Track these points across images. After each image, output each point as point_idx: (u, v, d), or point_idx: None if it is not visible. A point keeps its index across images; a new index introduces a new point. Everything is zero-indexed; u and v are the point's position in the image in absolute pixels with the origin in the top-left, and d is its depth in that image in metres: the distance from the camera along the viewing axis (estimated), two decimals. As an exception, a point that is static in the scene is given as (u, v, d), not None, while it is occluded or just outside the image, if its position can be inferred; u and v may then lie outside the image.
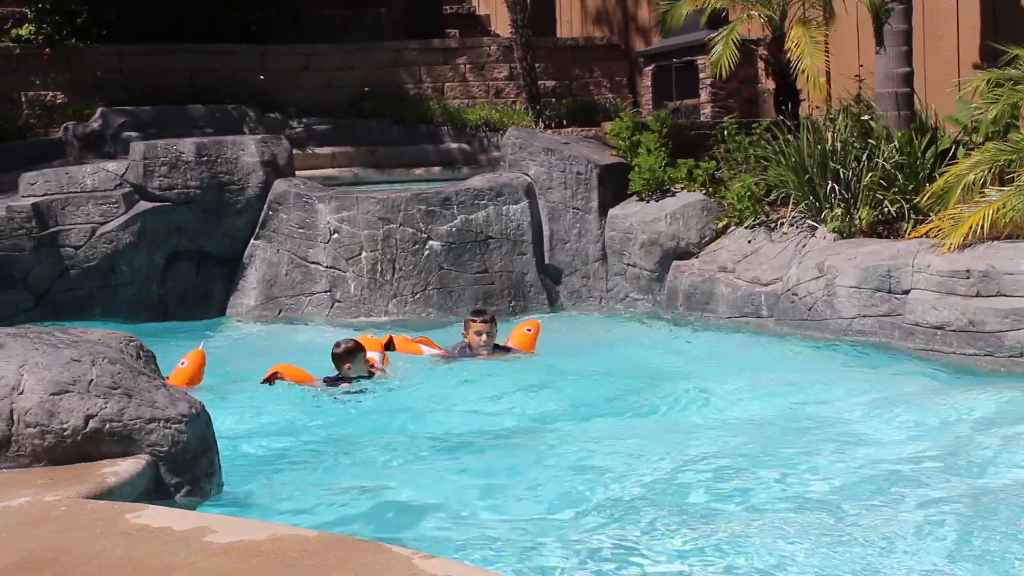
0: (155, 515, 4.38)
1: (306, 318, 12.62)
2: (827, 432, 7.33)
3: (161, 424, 5.33)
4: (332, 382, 9.15)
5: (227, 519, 4.43)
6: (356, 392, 8.96)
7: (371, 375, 9.28)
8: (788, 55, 12.98)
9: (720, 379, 9.01)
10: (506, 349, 10.19)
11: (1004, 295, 9.30)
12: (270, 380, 9.12)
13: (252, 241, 13.12)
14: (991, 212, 9.63)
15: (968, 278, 9.49)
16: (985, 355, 9.28)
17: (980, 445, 6.85)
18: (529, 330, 10.59)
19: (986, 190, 9.97)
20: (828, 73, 12.54)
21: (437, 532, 5.71)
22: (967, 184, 10.11)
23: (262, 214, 13.09)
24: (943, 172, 10.71)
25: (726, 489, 6.20)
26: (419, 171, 16.09)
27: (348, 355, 9.14)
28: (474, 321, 10.08)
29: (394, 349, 10.21)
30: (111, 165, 13.25)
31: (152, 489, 5.23)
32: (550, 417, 8.24)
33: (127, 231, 12.80)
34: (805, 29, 12.37)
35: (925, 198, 10.64)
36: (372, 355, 9.53)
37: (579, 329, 11.94)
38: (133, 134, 15.47)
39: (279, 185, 13.14)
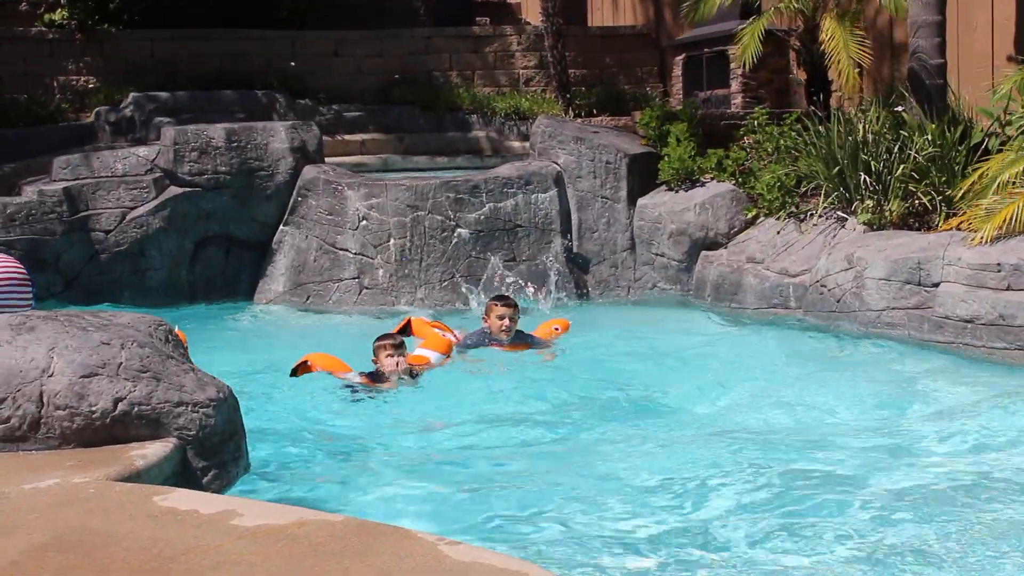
0: (182, 498, 4.40)
1: (334, 304, 12.65)
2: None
3: (189, 408, 5.35)
4: (370, 377, 8.78)
5: (253, 503, 4.44)
6: (386, 391, 8.65)
7: (413, 375, 8.88)
8: (820, 46, 12.93)
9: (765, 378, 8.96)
10: (527, 338, 9.98)
11: (1035, 289, 9.24)
12: (298, 371, 8.87)
13: (281, 227, 13.15)
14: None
15: (999, 271, 9.43)
16: (1015, 349, 9.22)
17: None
18: (556, 329, 10.37)
19: (1018, 182, 9.90)
20: (859, 65, 12.46)
21: (466, 525, 5.72)
22: (1001, 183, 10.05)
23: (291, 200, 13.12)
24: (976, 166, 10.65)
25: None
26: (442, 159, 16.04)
27: (390, 348, 8.78)
28: (496, 305, 9.85)
29: (411, 333, 9.92)
30: (142, 150, 13.31)
31: (179, 472, 5.24)
32: (571, 416, 8.16)
33: (157, 216, 12.86)
34: (839, 21, 12.30)
35: (960, 195, 10.57)
36: (429, 354, 9.20)
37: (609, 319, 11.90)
38: (164, 119, 15.51)
39: (308, 171, 13.16)
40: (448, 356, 9.36)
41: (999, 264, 9.45)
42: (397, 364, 8.70)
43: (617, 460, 6.64)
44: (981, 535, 5.45)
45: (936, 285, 9.88)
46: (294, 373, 8.89)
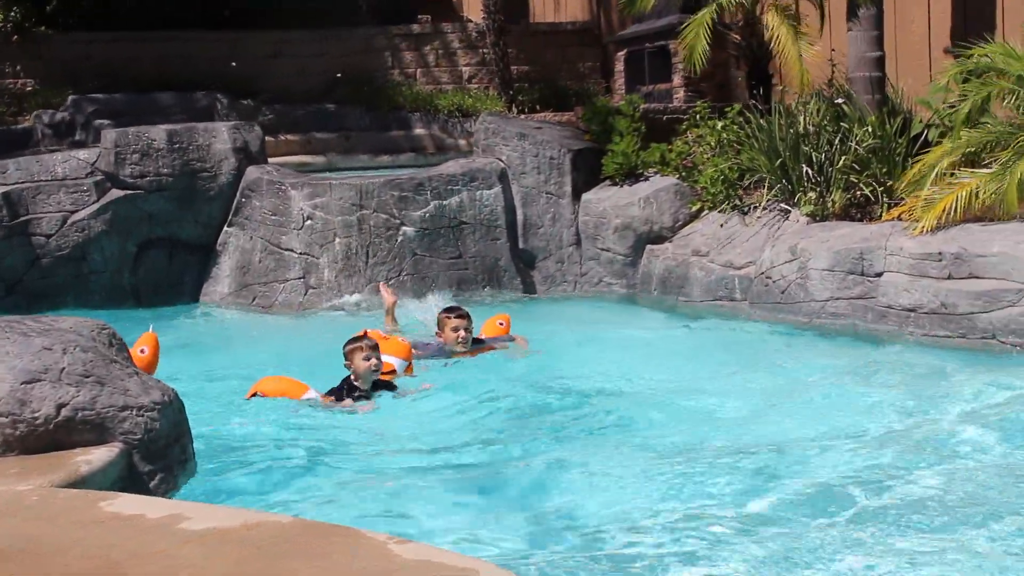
0: (128, 503, 4.35)
1: (280, 305, 12.57)
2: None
3: (134, 412, 5.29)
4: (338, 394, 8.22)
5: (201, 506, 4.40)
6: (364, 408, 8.12)
7: (390, 387, 8.43)
8: (760, 40, 13.00)
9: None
10: (481, 342, 9.77)
11: (976, 277, 9.33)
12: (248, 397, 8.28)
13: (225, 228, 13.06)
14: (964, 195, 9.66)
15: (940, 260, 9.52)
16: (957, 337, 9.31)
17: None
18: (501, 324, 10.23)
19: (957, 172, 10.01)
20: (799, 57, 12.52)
21: (421, 522, 5.68)
22: (940, 171, 10.15)
23: (235, 201, 13.03)
24: (917, 157, 10.74)
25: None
26: (386, 157, 15.98)
27: (366, 349, 8.27)
28: (450, 318, 9.55)
29: None
30: (82, 153, 13.16)
31: (125, 477, 5.19)
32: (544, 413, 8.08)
33: (99, 219, 12.73)
34: (782, 15, 12.33)
35: (902, 187, 10.66)
36: (391, 360, 8.70)
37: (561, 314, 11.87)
38: (104, 122, 15.36)
39: (251, 172, 13.08)
40: (409, 362, 8.99)
41: (940, 253, 9.53)
42: (373, 365, 8.23)
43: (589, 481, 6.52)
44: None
45: (879, 275, 9.96)
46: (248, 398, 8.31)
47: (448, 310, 9.80)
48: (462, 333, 9.47)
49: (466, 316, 9.60)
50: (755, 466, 6.34)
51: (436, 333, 9.68)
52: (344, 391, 8.23)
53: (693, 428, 7.30)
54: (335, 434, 7.60)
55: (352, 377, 8.27)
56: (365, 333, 9.52)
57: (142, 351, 8.46)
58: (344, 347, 8.38)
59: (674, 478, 6.18)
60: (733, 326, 10.59)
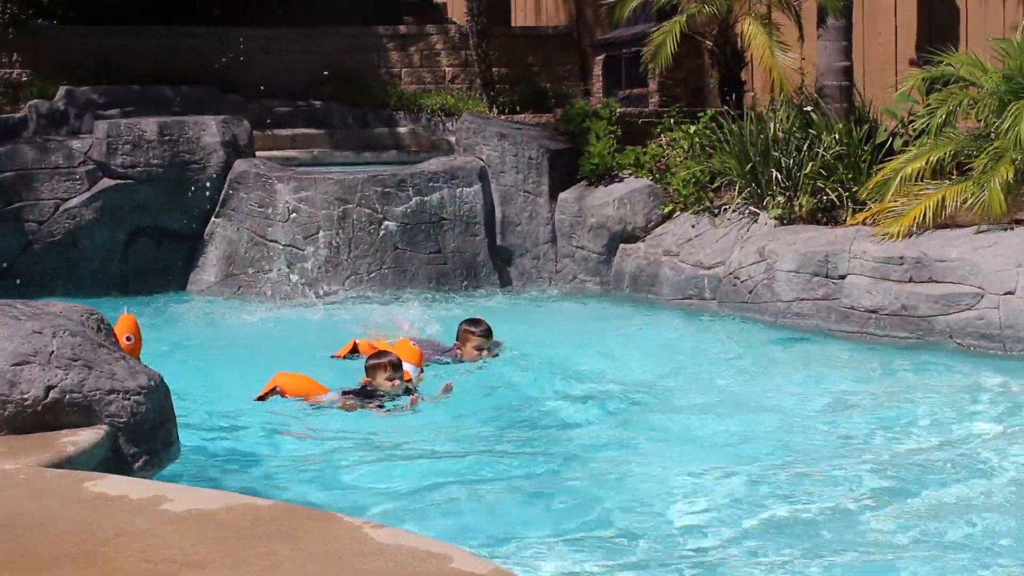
0: (113, 484, 4.34)
1: (264, 295, 12.54)
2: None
3: (120, 395, 5.29)
4: (361, 395, 7.87)
5: (183, 488, 4.40)
6: (394, 408, 7.78)
7: (409, 392, 7.98)
8: (733, 47, 13.03)
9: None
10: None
11: (935, 281, 9.40)
12: (265, 396, 7.88)
13: (212, 219, 13.03)
14: (932, 205, 9.72)
15: (902, 264, 9.58)
16: (916, 338, 9.37)
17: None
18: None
19: (922, 183, 10.06)
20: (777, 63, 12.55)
21: (403, 511, 5.69)
22: (904, 177, 10.20)
23: (222, 193, 13.00)
24: (881, 164, 10.79)
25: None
26: (369, 154, 15.94)
27: (389, 369, 7.90)
28: (474, 335, 9.07)
29: (358, 354, 9.00)
30: (75, 143, 13.12)
31: (110, 459, 5.19)
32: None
33: (90, 207, 12.69)
34: (759, 23, 12.32)
35: (866, 192, 10.71)
36: (408, 368, 8.22)
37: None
38: (97, 113, 15.28)
39: (239, 165, 13.05)
40: (422, 368, 8.50)
41: (902, 257, 9.59)
42: (396, 386, 7.87)
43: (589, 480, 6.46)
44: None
45: (843, 277, 10.01)
46: (261, 398, 7.91)
47: (472, 323, 9.24)
48: (485, 352, 9.07)
49: (490, 332, 9.16)
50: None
51: (456, 345, 9.17)
52: (364, 395, 7.85)
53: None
54: (327, 418, 7.60)
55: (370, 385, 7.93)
56: (355, 344, 9.10)
57: (128, 339, 8.29)
58: (366, 363, 8.00)
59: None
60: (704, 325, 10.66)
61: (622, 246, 12.52)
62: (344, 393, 7.88)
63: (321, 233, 12.58)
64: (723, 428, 7.14)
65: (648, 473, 6.21)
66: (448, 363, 8.99)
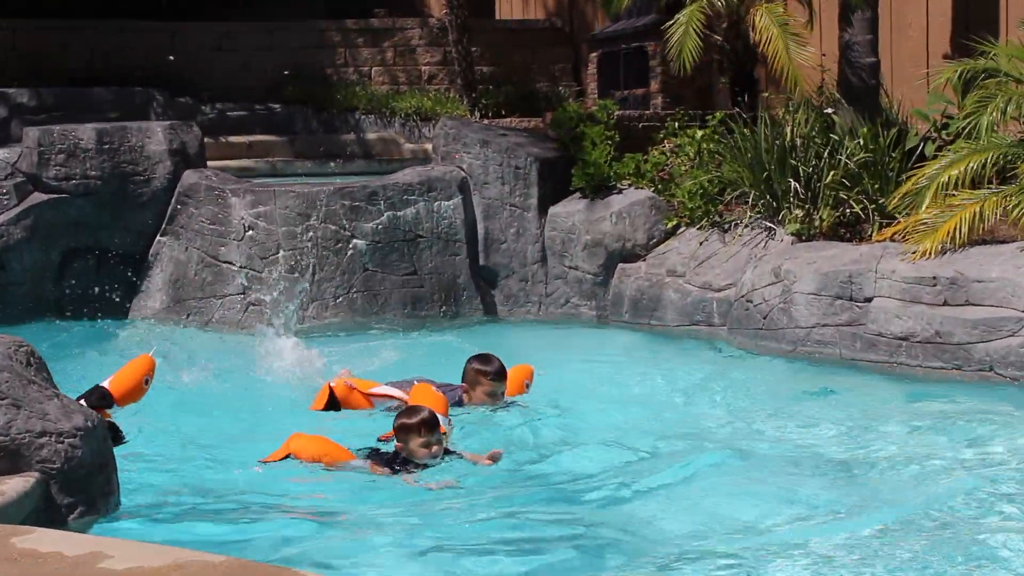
0: (44, 539, 4.33)
1: (217, 323, 12.52)
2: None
3: (53, 438, 5.28)
4: (386, 464, 7.34)
5: (125, 543, 4.39)
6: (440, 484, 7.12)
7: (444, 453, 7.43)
8: (746, 42, 13.08)
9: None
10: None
11: (972, 304, 9.41)
12: (272, 459, 7.43)
13: (158, 238, 13.02)
14: (968, 217, 9.72)
15: (935, 285, 9.60)
16: (952, 368, 9.39)
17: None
18: (527, 384, 9.16)
19: (957, 193, 10.09)
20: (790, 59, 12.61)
21: (354, 557, 5.68)
22: (940, 185, 10.21)
23: (170, 208, 12.99)
24: (911, 173, 10.82)
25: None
26: (336, 164, 15.97)
27: (425, 431, 7.27)
28: (487, 379, 8.55)
29: (339, 405, 8.66)
30: (1, 152, 13.09)
31: (42, 509, 5.18)
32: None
33: (19, 225, 12.67)
34: (772, 15, 12.33)
35: (894, 201, 10.73)
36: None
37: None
38: (26, 118, 15.30)
39: (189, 176, 13.05)
40: (449, 420, 8.02)
41: (935, 277, 9.61)
42: (435, 453, 7.27)
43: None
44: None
45: (869, 300, 10.03)
46: (269, 460, 7.45)
47: (482, 361, 8.69)
48: (498, 398, 8.62)
49: (504, 374, 8.65)
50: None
51: (463, 388, 8.64)
52: (397, 463, 7.33)
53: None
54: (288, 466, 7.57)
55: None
56: (330, 391, 8.63)
57: (147, 381, 8.15)
58: (395, 422, 7.40)
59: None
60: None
61: (621, 266, 12.54)
62: (373, 459, 7.42)
63: (281, 253, 12.57)
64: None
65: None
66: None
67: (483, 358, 8.72)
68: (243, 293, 12.61)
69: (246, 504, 6.82)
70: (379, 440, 7.67)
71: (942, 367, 9.46)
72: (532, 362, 9.49)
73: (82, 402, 7.62)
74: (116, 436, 7.49)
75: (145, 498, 6.74)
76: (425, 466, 7.23)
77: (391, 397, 8.57)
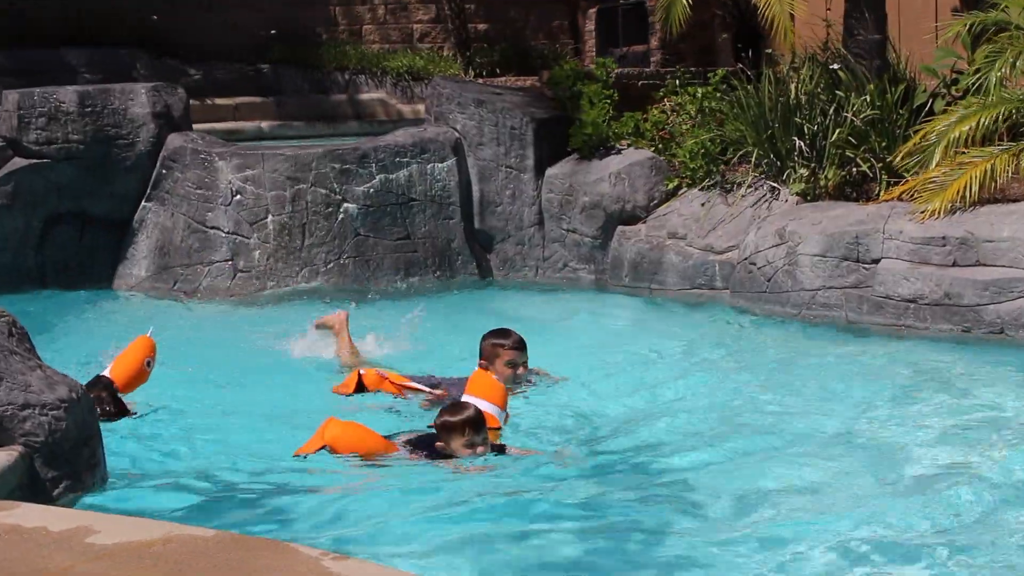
0: (29, 514, 4.33)
1: (205, 291, 12.51)
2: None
3: (36, 411, 5.27)
4: (433, 454, 7.03)
5: (112, 518, 4.39)
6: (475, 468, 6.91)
7: (497, 448, 7.16)
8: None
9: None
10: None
11: (983, 264, 9.42)
12: (308, 450, 7.10)
13: (143, 203, 12.98)
14: (979, 174, 9.70)
15: (944, 246, 9.60)
16: (962, 331, 9.39)
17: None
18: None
19: (967, 151, 10.06)
20: (791, 16, 12.57)
21: (350, 534, 5.67)
22: (951, 141, 10.18)
23: (154, 173, 12.95)
24: (918, 128, 10.80)
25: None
26: (325, 125, 15.93)
27: (469, 431, 6.97)
28: (504, 348, 8.23)
29: (365, 390, 8.45)
30: (-20, 116, 13.06)
31: (26, 484, 5.17)
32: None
33: None
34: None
35: (900, 156, 10.71)
36: (489, 409, 7.29)
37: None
38: (5, 81, 15.23)
39: (174, 140, 13.00)
40: (507, 412, 7.61)
41: (944, 238, 9.61)
42: (479, 453, 6.97)
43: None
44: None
45: (876, 261, 10.02)
46: (304, 454, 7.13)
47: (499, 334, 8.42)
48: (521, 369, 8.34)
49: (524, 346, 8.36)
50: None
51: (483, 364, 8.22)
52: (436, 455, 7.04)
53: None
54: (254, 431, 7.56)
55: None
56: (360, 378, 8.46)
57: (148, 363, 8.05)
58: (438, 419, 7.07)
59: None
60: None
61: (620, 228, 12.52)
62: (411, 450, 7.13)
63: (270, 218, 12.55)
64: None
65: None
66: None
67: (499, 332, 8.45)
68: (231, 260, 12.58)
69: (244, 479, 6.83)
70: (429, 428, 7.25)
71: (951, 329, 9.46)
72: (536, 329, 9.41)
73: None
74: (123, 410, 7.52)
75: (134, 471, 6.75)
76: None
77: (421, 391, 8.33)
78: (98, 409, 7.13)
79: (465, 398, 7.34)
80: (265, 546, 3.99)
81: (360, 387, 8.44)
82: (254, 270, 12.52)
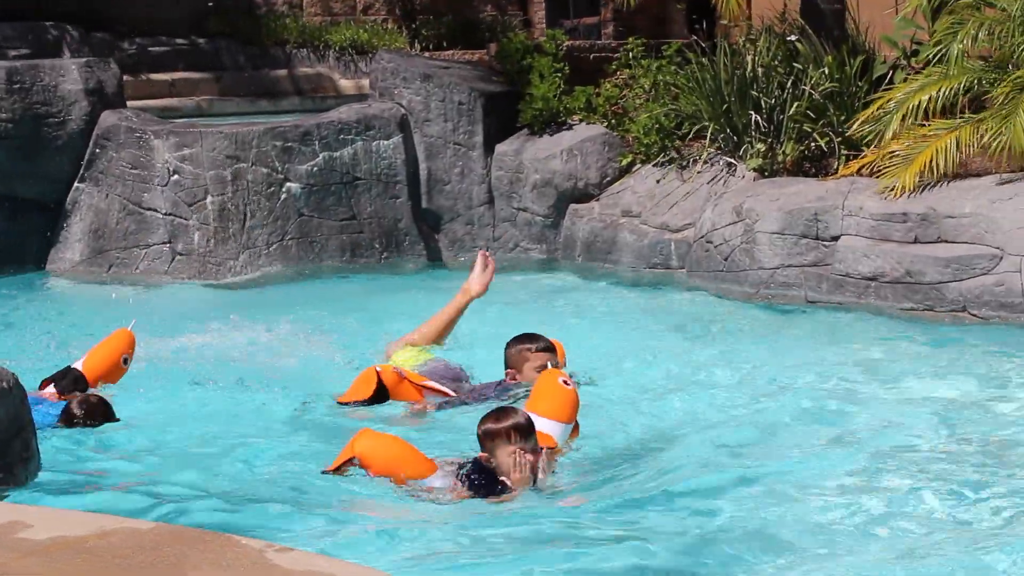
0: (-41, 508, 4.31)
1: (142, 274, 12.45)
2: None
3: (-35, 401, 5.24)
4: (481, 483, 6.17)
5: (45, 511, 4.38)
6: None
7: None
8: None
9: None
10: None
11: (945, 241, 9.50)
12: (340, 469, 6.34)
13: (76, 184, 12.90)
14: (943, 147, 9.74)
15: (905, 222, 9.67)
16: (924, 309, 9.47)
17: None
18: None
19: (929, 123, 10.12)
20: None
21: (293, 527, 5.67)
22: (909, 110, 10.21)
23: (87, 152, 12.86)
24: (876, 97, 10.84)
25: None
26: (266, 102, 15.84)
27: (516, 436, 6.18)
28: (532, 351, 7.59)
29: (387, 397, 7.65)
30: (-98, 95, 12.93)
31: (-44, 478, 5.15)
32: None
33: (-77, 173, 12.54)
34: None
35: (856, 124, 10.74)
36: (549, 429, 6.51)
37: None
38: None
39: (107, 118, 12.92)
40: (577, 422, 6.87)
41: (905, 214, 9.68)
42: (531, 468, 6.18)
43: None
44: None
45: (835, 239, 10.09)
46: (334, 471, 6.40)
47: (526, 339, 7.80)
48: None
49: (553, 348, 7.76)
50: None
51: (511, 373, 7.74)
52: (485, 483, 6.19)
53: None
54: (196, 419, 7.54)
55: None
56: (379, 377, 7.64)
57: (125, 360, 7.91)
58: (480, 427, 6.30)
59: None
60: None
61: (572, 207, 12.54)
62: (457, 474, 6.29)
63: (209, 199, 12.49)
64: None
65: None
66: (468, 403, 7.67)
67: (525, 336, 7.81)
68: (168, 242, 12.52)
69: (190, 474, 6.79)
70: (478, 460, 6.32)
71: (912, 308, 9.54)
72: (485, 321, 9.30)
73: (51, 387, 7.56)
74: (108, 414, 7.40)
75: (69, 464, 6.71)
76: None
77: (442, 392, 7.76)
78: (80, 412, 7.10)
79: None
80: (205, 539, 3.98)
81: (380, 389, 7.64)
82: (193, 253, 12.47)
